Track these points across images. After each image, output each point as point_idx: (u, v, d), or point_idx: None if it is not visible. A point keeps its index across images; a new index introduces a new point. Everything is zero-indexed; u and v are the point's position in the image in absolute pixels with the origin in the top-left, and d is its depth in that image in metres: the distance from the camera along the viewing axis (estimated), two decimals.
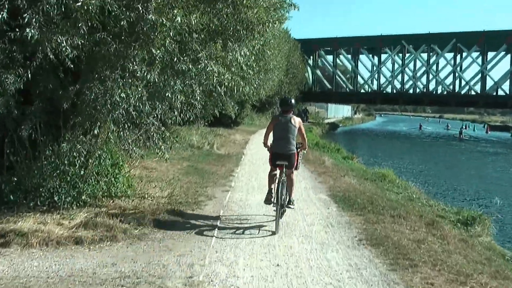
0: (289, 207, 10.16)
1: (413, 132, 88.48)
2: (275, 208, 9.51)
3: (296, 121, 9.92)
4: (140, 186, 12.03)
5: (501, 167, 36.23)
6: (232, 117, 36.60)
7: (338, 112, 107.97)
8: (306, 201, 12.61)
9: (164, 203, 10.85)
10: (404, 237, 9.17)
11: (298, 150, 10.10)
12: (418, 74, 79.42)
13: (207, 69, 9.32)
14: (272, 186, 9.97)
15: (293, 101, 10.46)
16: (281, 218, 9.68)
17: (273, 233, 9.25)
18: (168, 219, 9.77)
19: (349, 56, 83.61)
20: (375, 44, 79.90)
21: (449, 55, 77.48)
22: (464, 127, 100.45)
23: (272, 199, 9.82)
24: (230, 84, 10.32)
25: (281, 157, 9.74)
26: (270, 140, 10.18)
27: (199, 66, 9.28)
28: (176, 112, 11.80)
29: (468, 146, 57.65)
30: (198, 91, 10.44)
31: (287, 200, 9.99)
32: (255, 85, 24.55)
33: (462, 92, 74.65)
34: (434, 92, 76.96)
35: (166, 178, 14.11)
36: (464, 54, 75.61)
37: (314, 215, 10.96)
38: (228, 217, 10.58)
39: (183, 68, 9.19)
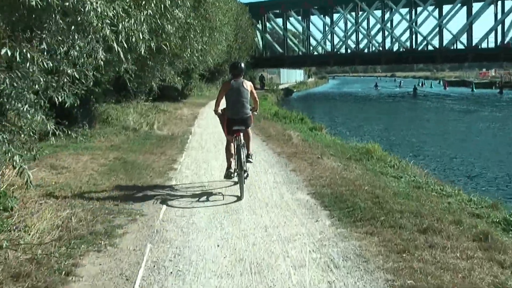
0: (249, 161, 10.12)
1: (370, 92, 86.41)
2: (236, 174, 9.59)
3: (248, 84, 9.96)
4: (19, 212, 7.60)
5: (486, 128, 32.77)
6: (179, 89, 32.57)
7: (291, 77, 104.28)
8: (281, 208, 8.48)
9: (45, 251, 6.16)
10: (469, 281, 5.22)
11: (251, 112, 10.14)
12: (373, 32, 76.12)
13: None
14: (232, 160, 9.93)
15: (243, 65, 10.34)
16: (244, 183, 9.41)
17: (239, 198, 9.18)
18: None
19: (299, 18, 79.47)
20: (326, 3, 76.02)
21: (404, 11, 74.21)
22: (420, 84, 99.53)
23: (233, 173, 9.80)
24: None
25: (238, 122, 9.75)
26: (221, 107, 10.07)
27: None
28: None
29: (432, 104, 54.61)
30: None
31: (246, 154, 9.83)
32: (199, 48, 20.47)
33: (419, 48, 71.35)
34: (391, 50, 73.44)
35: (76, 185, 9.78)
36: (420, 9, 72.32)
37: (298, 242, 6.74)
38: (161, 257, 6.33)
39: None
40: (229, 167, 9.99)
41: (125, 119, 19.94)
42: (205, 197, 9.40)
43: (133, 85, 18.58)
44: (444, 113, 44.22)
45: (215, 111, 10.07)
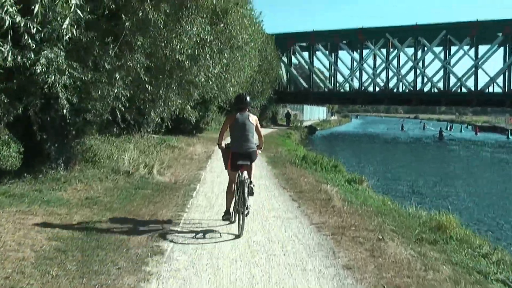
0: (251, 194, 9.43)
1: (396, 133, 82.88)
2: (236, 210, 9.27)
3: (253, 118, 9.64)
4: None
5: None
6: (193, 121, 28.62)
7: (314, 114, 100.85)
8: None
9: None
10: None
11: None
12: (403, 71, 71.99)
13: None
14: (231, 203, 9.55)
15: (248, 98, 9.86)
16: (243, 220, 9.00)
17: (237, 236, 8.85)
18: None
19: (327, 52, 75.48)
20: (355, 38, 72.14)
21: (438, 49, 70.09)
22: (448, 127, 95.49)
23: (231, 216, 9.54)
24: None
25: (243, 157, 9.35)
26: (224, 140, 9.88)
27: None
28: None
29: (467, 152, 50.20)
30: None
31: (249, 181, 9.36)
32: (216, 72, 17.37)
33: (453, 90, 66.97)
34: (422, 91, 69.08)
35: None
36: (455, 48, 68.27)
37: None
38: None
39: None
40: (228, 209, 9.66)
41: (119, 158, 15.84)
42: None
43: (129, 116, 14.54)
44: (492, 165, 39.60)
45: (219, 144, 9.88)
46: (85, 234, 8.22)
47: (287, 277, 6.80)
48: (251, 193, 9.38)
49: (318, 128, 79.36)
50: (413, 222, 11.00)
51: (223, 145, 9.79)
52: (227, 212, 9.61)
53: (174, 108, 15.90)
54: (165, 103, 15.32)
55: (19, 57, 9.50)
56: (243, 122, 9.43)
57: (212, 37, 13.83)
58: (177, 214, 10.51)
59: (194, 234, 8.97)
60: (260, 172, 18.00)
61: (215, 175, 16.78)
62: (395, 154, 46.67)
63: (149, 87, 12.88)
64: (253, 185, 9.51)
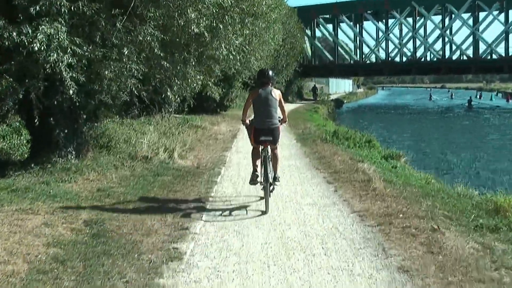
0: (275, 184, 9.54)
1: (425, 104, 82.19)
2: (262, 187, 9.19)
3: (276, 93, 9.45)
4: None
5: None
6: (217, 99, 27.42)
7: (339, 87, 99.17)
8: None
9: None
10: None
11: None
12: (431, 40, 69.89)
13: None
14: (257, 164, 9.48)
15: (271, 72, 9.72)
16: (270, 196, 9.10)
17: (264, 212, 8.80)
18: None
19: (351, 23, 73.60)
20: (381, 7, 70.11)
21: (466, 16, 67.76)
22: (478, 96, 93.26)
23: (258, 179, 9.36)
24: None
25: (265, 133, 9.27)
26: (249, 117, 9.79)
27: None
28: None
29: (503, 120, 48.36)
30: None
31: (273, 176, 9.40)
32: (238, 44, 15.31)
33: (483, 57, 64.87)
34: (450, 59, 67.00)
35: None
36: (483, 14, 66.07)
37: None
38: None
39: None
40: (254, 171, 9.51)
41: (137, 142, 14.69)
42: None
43: (146, 96, 13.38)
44: None
45: (243, 120, 9.80)
46: (91, 237, 7.05)
47: (332, 286, 5.59)
48: (275, 184, 9.50)
49: (345, 101, 77.81)
50: (465, 204, 9.64)
51: (247, 121, 9.74)
52: (253, 172, 9.54)
53: (194, 85, 14.57)
54: (184, 80, 14.10)
55: (14, 34, 8.42)
56: (266, 97, 9.32)
57: (232, 4, 12.47)
58: (199, 206, 9.35)
59: (217, 231, 7.75)
60: (289, 150, 16.85)
61: (241, 156, 15.59)
62: (426, 125, 45.09)
63: (165, 63, 11.64)
64: (279, 178, 9.60)
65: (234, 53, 15.41)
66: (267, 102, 9.28)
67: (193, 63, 13.22)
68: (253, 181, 9.44)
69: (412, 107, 72.93)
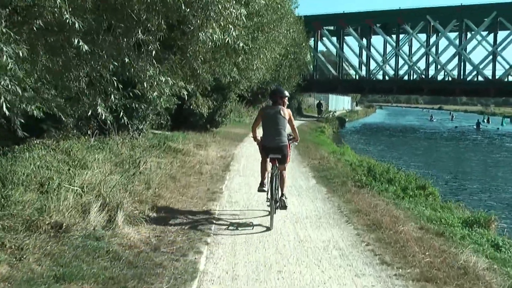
0: (283, 207, 9.39)
1: (429, 125, 78.57)
2: (268, 203, 9.18)
3: (286, 112, 9.51)
4: None
5: None
6: (204, 113, 21.48)
7: (339, 104, 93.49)
8: None
9: None
10: None
11: (290, 142, 9.67)
12: (445, 58, 64.60)
13: None
14: (266, 175, 9.45)
15: (286, 92, 9.86)
16: (275, 213, 9.06)
17: (268, 228, 8.73)
18: None
19: (358, 36, 67.98)
20: (391, 20, 64.46)
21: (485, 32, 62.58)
22: (485, 120, 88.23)
23: (266, 189, 9.36)
24: None
25: (273, 151, 9.34)
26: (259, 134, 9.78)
27: None
28: None
29: None
30: None
31: (279, 195, 9.38)
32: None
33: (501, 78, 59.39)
34: (465, 80, 61.23)
35: None
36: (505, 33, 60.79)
37: None
38: None
39: None
40: (262, 180, 9.49)
41: (61, 187, 8.35)
42: None
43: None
44: None
45: (254, 138, 9.93)
46: None
47: None
48: (283, 206, 9.38)
49: (347, 120, 71.76)
50: None
51: (258, 138, 9.72)
52: (261, 182, 9.46)
53: (161, 94, 8.60)
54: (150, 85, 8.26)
55: None
56: (275, 115, 9.39)
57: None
58: None
59: None
60: (312, 202, 11.01)
61: (238, 213, 9.63)
62: (453, 154, 38.42)
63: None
64: (286, 198, 9.55)
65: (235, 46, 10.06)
66: (275, 121, 9.33)
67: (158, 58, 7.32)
68: (261, 188, 9.40)
69: (421, 129, 66.82)
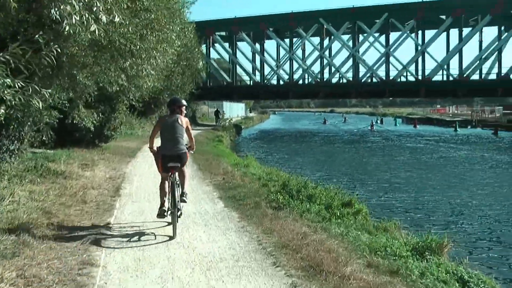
0: (184, 201, 9.48)
1: (324, 128, 79.37)
2: (170, 213, 9.10)
3: (183, 120, 9.63)
4: None
5: None
6: (91, 127, 19.15)
7: (233, 111, 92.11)
8: None
9: None
10: None
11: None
12: (339, 60, 64.85)
13: None
14: (165, 199, 9.45)
15: (180, 100, 9.90)
16: (177, 221, 9.01)
17: (171, 238, 8.67)
18: None
19: (250, 41, 66.64)
20: (284, 24, 63.47)
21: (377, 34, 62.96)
22: (378, 121, 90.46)
23: (166, 211, 9.26)
24: None
25: (172, 159, 9.35)
26: (156, 144, 9.83)
27: None
28: None
29: (433, 147, 42.21)
30: None
31: (180, 193, 9.41)
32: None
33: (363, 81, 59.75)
34: (360, 81, 61.18)
35: None
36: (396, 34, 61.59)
37: None
38: None
39: None
40: (162, 205, 9.43)
41: None
42: None
43: None
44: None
45: (150, 147, 9.84)
46: None
47: None
48: (183, 200, 9.39)
49: (243, 127, 70.15)
50: None
51: (154, 148, 9.74)
52: (161, 207, 9.38)
53: None
54: None
55: None
56: (172, 124, 9.45)
57: None
58: None
59: None
60: (224, 235, 8.92)
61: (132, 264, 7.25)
62: (353, 156, 37.12)
63: None
64: (186, 198, 9.52)
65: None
66: (173, 129, 9.39)
67: None
68: (161, 215, 9.27)
69: (319, 133, 66.05)
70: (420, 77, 59.60)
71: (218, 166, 18.07)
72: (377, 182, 24.43)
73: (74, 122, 18.56)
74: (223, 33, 67.59)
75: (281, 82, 65.83)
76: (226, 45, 68.04)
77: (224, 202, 11.89)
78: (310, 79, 65.26)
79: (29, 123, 14.97)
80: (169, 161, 9.26)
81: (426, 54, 60.42)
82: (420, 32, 61.44)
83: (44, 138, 18.15)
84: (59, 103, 16.29)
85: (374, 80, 61.47)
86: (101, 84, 14.89)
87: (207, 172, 16.91)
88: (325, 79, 63.09)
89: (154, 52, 14.47)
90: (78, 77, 11.66)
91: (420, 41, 60.72)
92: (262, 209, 10.79)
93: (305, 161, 33.27)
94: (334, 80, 63.96)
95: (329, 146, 46.70)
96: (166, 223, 9.31)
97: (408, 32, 59.70)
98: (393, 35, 61.96)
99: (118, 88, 16.63)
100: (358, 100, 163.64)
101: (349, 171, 28.95)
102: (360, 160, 34.80)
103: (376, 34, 63.04)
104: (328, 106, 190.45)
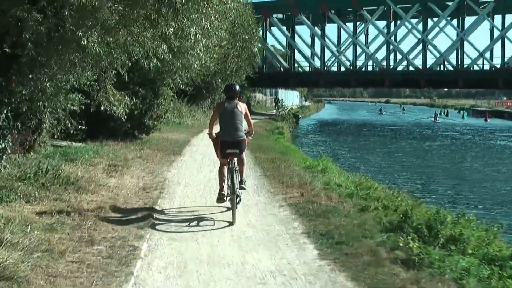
0: (242, 188, 9.61)
1: (393, 120, 73.76)
2: (229, 199, 9.17)
3: (242, 107, 9.58)
4: None
5: None
6: (123, 116, 14.81)
7: (288, 99, 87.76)
8: None
9: None
10: None
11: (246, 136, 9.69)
12: (407, 46, 60.06)
13: None
14: (224, 183, 9.44)
15: (238, 87, 9.95)
16: (236, 208, 9.00)
17: (231, 223, 8.71)
18: None
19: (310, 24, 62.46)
20: (348, 6, 58.60)
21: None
22: (444, 113, 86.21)
23: (225, 196, 9.31)
24: None
25: (231, 145, 9.41)
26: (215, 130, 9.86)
27: None
28: None
29: None
30: None
31: (239, 180, 9.45)
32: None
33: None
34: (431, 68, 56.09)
35: None
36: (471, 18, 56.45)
37: None
38: None
39: None
40: (221, 190, 9.46)
41: None
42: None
43: None
44: None
45: (209, 134, 9.86)
46: None
47: None
48: (242, 187, 9.48)
49: (300, 116, 65.97)
50: None
51: (213, 134, 9.73)
52: (220, 191, 9.40)
53: None
54: None
55: None
56: (232, 110, 9.38)
57: None
58: None
59: None
60: None
61: None
62: (445, 157, 31.57)
63: None
64: (245, 185, 9.68)
65: None
66: (233, 116, 9.34)
67: None
68: (220, 199, 9.35)
69: (380, 125, 61.41)
70: (498, 66, 53.92)
71: (289, 172, 13.51)
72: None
73: (102, 109, 14.43)
74: (280, 16, 63.20)
75: (342, 69, 61.04)
76: (284, 28, 63.61)
77: (316, 246, 7.32)
78: (374, 66, 60.23)
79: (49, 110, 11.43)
80: (228, 147, 9.33)
81: (506, 40, 54.58)
82: (499, 16, 55.54)
83: (66, 128, 14.08)
84: (86, 85, 13.05)
85: (443, 68, 56.39)
86: (135, 57, 10.63)
87: (276, 181, 12.38)
88: (390, 67, 57.97)
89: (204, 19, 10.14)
90: (83, 42, 7.44)
91: (500, 26, 54.90)
92: (386, 267, 6.28)
93: (384, 161, 28.39)
94: (399, 68, 58.84)
95: (402, 142, 41.36)
96: None
97: (485, 15, 54.15)
98: (468, 20, 56.75)
99: (159, 65, 12.43)
100: (412, 91, 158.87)
101: (453, 182, 22.74)
102: (460, 165, 28.71)
103: (448, 18, 57.55)
104: (381, 97, 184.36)
